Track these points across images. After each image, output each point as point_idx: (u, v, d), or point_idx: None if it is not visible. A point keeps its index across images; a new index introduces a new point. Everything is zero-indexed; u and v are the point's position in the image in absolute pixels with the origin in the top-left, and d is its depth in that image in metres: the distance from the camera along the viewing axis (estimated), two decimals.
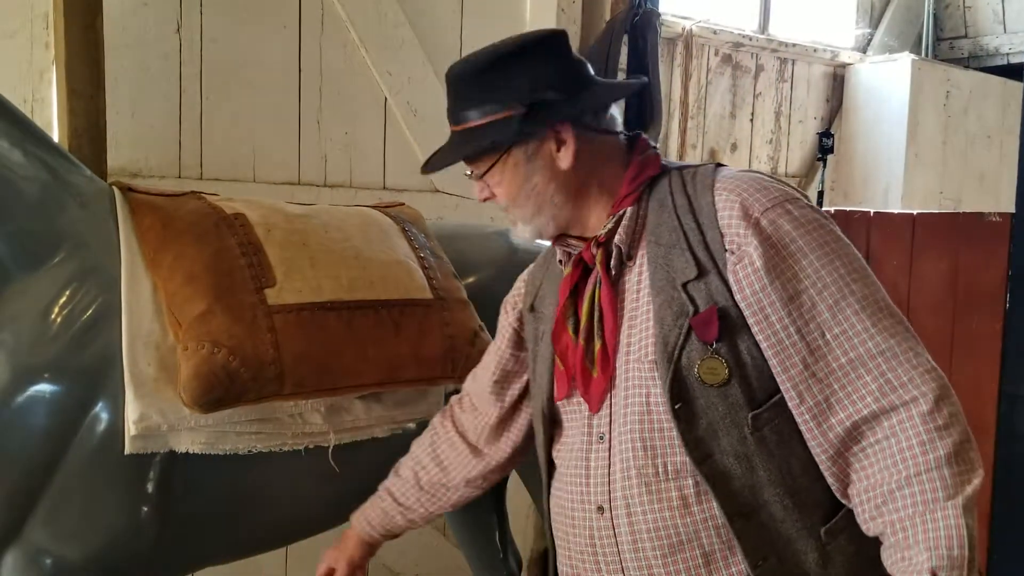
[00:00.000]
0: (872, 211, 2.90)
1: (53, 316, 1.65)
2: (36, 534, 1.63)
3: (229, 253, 1.75)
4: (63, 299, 1.67)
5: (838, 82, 4.91)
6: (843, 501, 1.28)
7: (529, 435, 1.62)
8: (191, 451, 1.70)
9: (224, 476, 1.78)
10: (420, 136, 3.12)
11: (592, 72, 1.41)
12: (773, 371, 1.25)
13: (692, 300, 1.27)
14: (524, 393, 1.61)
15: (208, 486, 1.78)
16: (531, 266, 1.62)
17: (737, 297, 1.26)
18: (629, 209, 1.37)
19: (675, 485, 1.29)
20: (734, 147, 4.45)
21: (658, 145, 3.62)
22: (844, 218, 2.91)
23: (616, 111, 1.43)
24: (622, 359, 1.35)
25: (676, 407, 1.26)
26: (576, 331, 1.39)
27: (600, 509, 1.36)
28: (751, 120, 4.50)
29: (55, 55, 2.35)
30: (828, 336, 1.22)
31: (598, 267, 1.36)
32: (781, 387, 1.25)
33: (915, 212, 2.82)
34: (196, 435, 1.69)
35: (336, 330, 1.79)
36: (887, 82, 4.73)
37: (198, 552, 1.85)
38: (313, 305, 1.77)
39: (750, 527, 1.26)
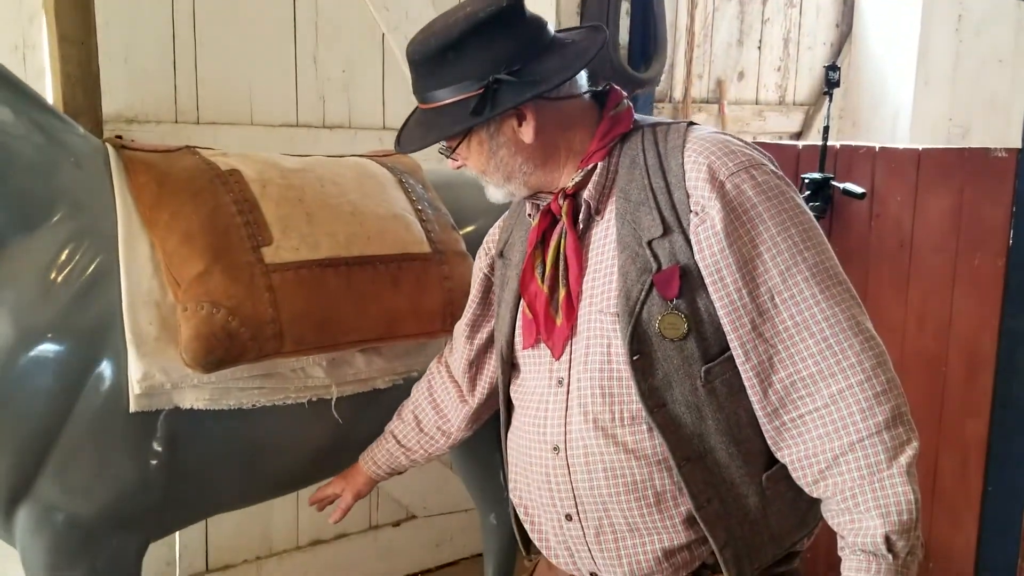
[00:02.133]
0: (877, 146, 2.86)
1: (53, 276, 1.66)
2: (47, 491, 1.67)
3: (225, 211, 1.75)
4: (62, 259, 1.67)
5: (848, 6, 4.79)
6: (778, 458, 1.36)
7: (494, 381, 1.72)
8: (195, 407, 1.73)
9: (229, 428, 1.81)
10: None
11: (551, 33, 1.42)
12: (724, 328, 1.32)
13: (656, 257, 1.33)
14: (491, 339, 1.68)
15: (214, 438, 1.81)
16: (506, 213, 1.66)
17: (697, 257, 1.31)
18: (599, 164, 1.41)
19: (630, 430, 1.38)
20: (741, 76, 4.37)
21: (660, 79, 3.56)
22: (849, 153, 2.87)
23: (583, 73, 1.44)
24: (585, 308, 1.41)
25: (634, 358, 1.33)
26: (543, 279, 1.44)
27: (556, 449, 1.43)
28: (759, 47, 4.41)
29: (44, 0, 2.31)
30: (777, 299, 1.29)
31: (564, 218, 1.42)
32: (730, 345, 1.32)
33: (920, 148, 2.77)
34: (200, 392, 1.72)
35: (334, 287, 1.79)
36: (898, 5, 4.61)
37: (206, 501, 1.90)
38: (311, 263, 1.78)
39: (696, 471, 1.35)
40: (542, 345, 1.46)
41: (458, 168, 1.47)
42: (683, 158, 1.35)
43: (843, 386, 1.26)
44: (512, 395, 1.55)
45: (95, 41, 2.34)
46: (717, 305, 1.31)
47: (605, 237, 1.40)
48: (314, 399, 1.86)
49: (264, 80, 2.81)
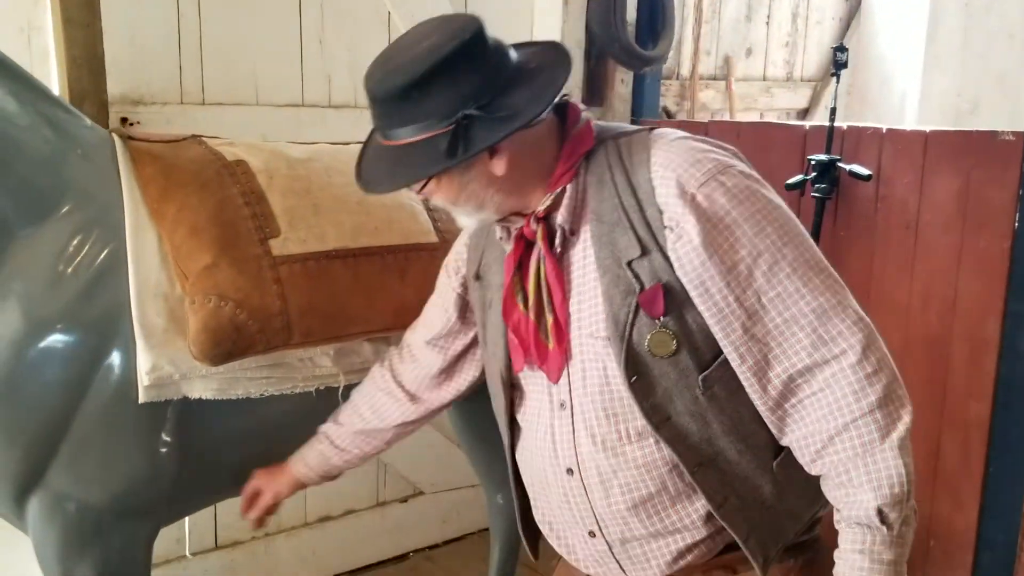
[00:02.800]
0: (884, 128, 2.84)
1: (62, 267, 1.67)
2: (58, 480, 1.69)
3: (232, 203, 1.75)
4: (70, 251, 1.68)
5: None
6: (782, 444, 1.39)
7: (470, 384, 1.73)
8: (204, 397, 1.74)
9: (238, 417, 1.84)
10: None
11: (514, 58, 1.35)
12: (715, 335, 1.33)
13: (638, 278, 1.33)
14: (467, 349, 1.69)
15: (223, 427, 1.84)
16: (470, 231, 1.62)
17: (679, 273, 1.32)
18: (568, 186, 1.39)
19: (638, 446, 1.39)
20: (749, 52, 4.33)
21: (667, 56, 3.54)
22: (856, 135, 2.86)
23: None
24: (575, 332, 1.41)
25: (632, 380, 1.35)
26: (526, 305, 1.43)
27: (569, 471, 1.45)
28: (767, 23, 4.37)
29: None
30: (764, 300, 1.30)
31: (540, 243, 1.40)
32: (724, 350, 1.33)
33: (927, 130, 2.75)
34: (208, 382, 1.73)
35: (342, 278, 1.80)
36: None
37: (215, 488, 1.92)
38: (318, 254, 1.79)
39: (709, 474, 1.38)
40: (536, 368, 1.46)
41: (426, 199, 1.43)
42: (650, 173, 1.34)
43: (835, 370, 1.29)
44: (517, 416, 1.55)
45: (100, 23, 2.34)
46: (706, 315, 1.32)
47: (584, 259, 1.40)
48: (322, 388, 1.88)
49: (269, 60, 2.80)
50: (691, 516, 1.42)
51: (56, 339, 1.66)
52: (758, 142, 3.10)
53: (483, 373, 1.69)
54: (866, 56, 4.65)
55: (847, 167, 2.78)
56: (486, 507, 2.66)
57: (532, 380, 1.49)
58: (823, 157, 2.82)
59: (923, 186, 2.74)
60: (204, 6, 2.64)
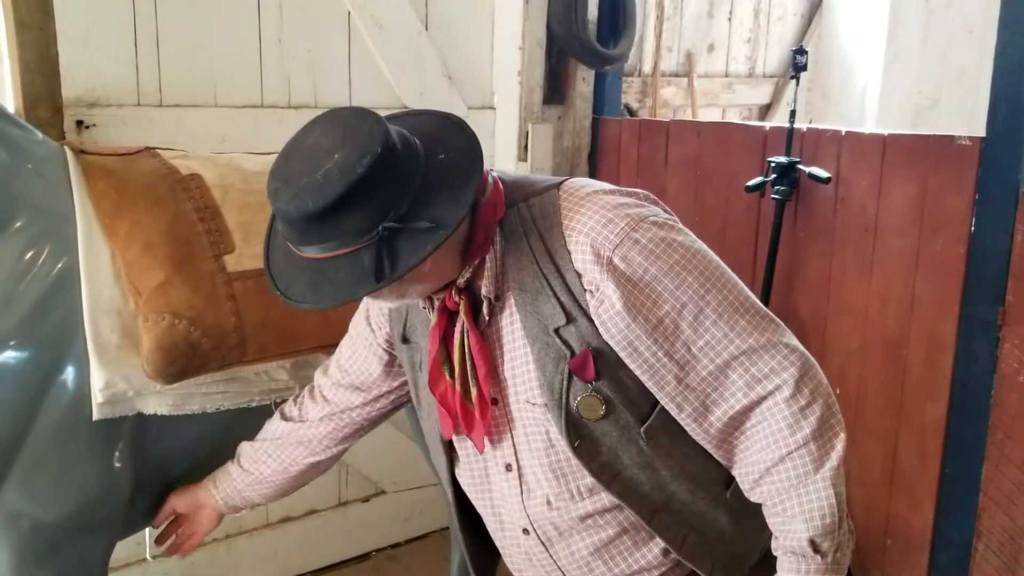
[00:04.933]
0: (843, 130, 2.87)
1: (13, 284, 1.64)
2: (12, 498, 1.67)
3: (186, 219, 1.73)
4: (22, 266, 1.65)
5: None
6: (733, 474, 1.42)
7: (386, 418, 1.74)
8: (159, 413, 1.73)
9: (194, 430, 1.83)
10: (385, 51, 3.03)
11: (422, 151, 1.28)
12: (651, 389, 1.34)
13: (567, 344, 1.34)
14: (385, 394, 1.68)
15: (179, 441, 1.83)
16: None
17: (605, 336, 1.32)
18: (487, 257, 1.36)
19: (591, 500, 1.42)
20: (711, 48, 4.35)
21: (629, 54, 3.54)
22: (815, 137, 2.88)
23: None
24: (513, 398, 1.42)
25: (576, 445, 1.36)
26: (452, 376, 1.43)
27: (525, 531, 1.48)
28: (729, 19, 4.39)
29: None
30: (694, 349, 1.31)
31: (463, 316, 1.38)
32: (661, 401, 1.35)
33: (886, 133, 2.78)
34: (163, 398, 1.72)
35: None
36: None
37: None
38: None
39: (665, 518, 1.40)
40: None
41: None
42: (564, 238, 1.33)
43: (770, 404, 1.32)
44: (458, 476, 1.56)
45: (53, 25, 2.30)
46: (638, 372, 1.33)
47: (511, 326, 1.39)
48: (279, 400, 1.87)
49: (228, 61, 2.76)
50: (652, 551, 1.44)
51: (8, 356, 1.64)
52: (719, 143, 3.11)
53: (396, 409, 1.72)
54: (827, 52, 4.69)
55: (807, 169, 2.80)
56: (446, 505, 2.67)
57: (470, 443, 1.49)
58: (783, 159, 2.84)
59: (881, 189, 2.77)
60: (161, 5, 2.60)
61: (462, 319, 1.39)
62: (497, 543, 1.58)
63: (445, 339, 1.42)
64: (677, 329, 1.30)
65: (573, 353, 1.33)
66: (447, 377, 1.43)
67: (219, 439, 1.88)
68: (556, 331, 1.33)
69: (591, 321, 1.32)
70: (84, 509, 1.73)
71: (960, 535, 2.65)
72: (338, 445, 1.74)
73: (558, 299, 1.33)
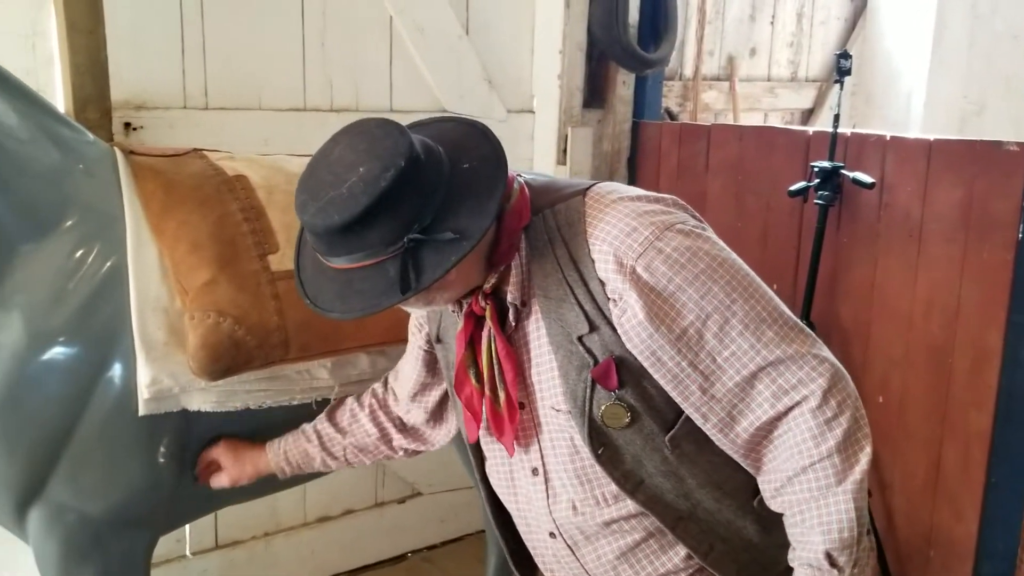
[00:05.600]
0: (888, 135, 2.83)
1: (64, 282, 1.68)
2: (59, 492, 1.70)
3: (231, 219, 1.76)
4: (72, 265, 1.69)
5: None
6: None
7: (449, 431, 1.76)
8: (203, 409, 1.75)
9: (237, 426, 1.85)
10: (426, 55, 3.05)
11: (447, 161, 1.30)
12: (675, 399, 1.33)
13: (590, 352, 1.34)
14: (444, 398, 1.71)
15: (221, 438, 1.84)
16: None
17: (628, 346, 1.31)
18: (513, 264, 1.37)
19: (616, 507, 1.41)
20: (753, 52, 4.32)
21: (670, 58, 3.52)
22: (859, 142, 2.85)
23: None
24: (540, 403, 1.42)
25: (599, 452, 1.36)
26: (479, 380, 1.43)
27: (552, 535, 1.48)
28: (771, 23, 4.35)
29: None
30: (719, 360, 1.30)
31: (489, 321, 1.39)
32: (686, 411, 1.33)
33: (931, 138, 2.74)
34: (207, 395, 1.74)
35: None
36: None
37: (214, 498, 1.93)
38: None
39: (690, 527, 1.39)
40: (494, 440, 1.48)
41: None
42: (588, 246, 1.33)
43: (796, 414, 1.30)
44: (489, 475, 1.57)
45: (103, 29, 2.34)
46: (662, 382, 1.32)
47: (537, 332, 1.40)
48: (319, 399, 1.89)
49: (272, 65, 2.80)
50: (679, 555, 1.43)
51: (58, 352, 1.67)
52: (761, 147, 3.09)
53: None
54: (872, 57, 4.63)
55: (850, 174, 2.77)
56: (481, 508, 2.67)
57: (497, 447, 1.50)
58: (826, 164, 2.82)
59: (927, 194, 2.74)
60: (207, 11, 2.64)
61: (488, 324, 1.40)
62: (527, 544, 1.58)
63: (472, 343, 1.43)
64: (701, 340, 1.29)
65: (596, 361, 1.33)
66: (473, 381, 1.44)
67: (264, 439, 1.90)
68: (579, 339, 1.33)
69: (614, 330, 1.31)
70: (129, 503, 1.76)
71: (1005, 545, 2.60)
72: (419, 445, 1.81)
73: (582, 307, 1.33)
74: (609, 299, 1.31)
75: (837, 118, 2.86)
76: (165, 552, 2.82)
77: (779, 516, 1.41)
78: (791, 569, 1.46)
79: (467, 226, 1.24)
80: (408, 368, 1.70)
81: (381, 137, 1.25)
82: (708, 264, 1.31)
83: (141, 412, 1.69)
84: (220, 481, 1.84)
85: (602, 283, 1.31)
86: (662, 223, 1.32)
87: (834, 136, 2.83)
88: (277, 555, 3.10)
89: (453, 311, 1.46)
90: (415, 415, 1.74)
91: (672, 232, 1.31)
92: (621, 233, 1.31)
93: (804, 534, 1.33)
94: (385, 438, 1.78)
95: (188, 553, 2.91)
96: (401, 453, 1.80)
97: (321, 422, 1.81)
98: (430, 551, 3.42)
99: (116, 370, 1.69)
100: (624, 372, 1.32)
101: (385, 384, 1.81)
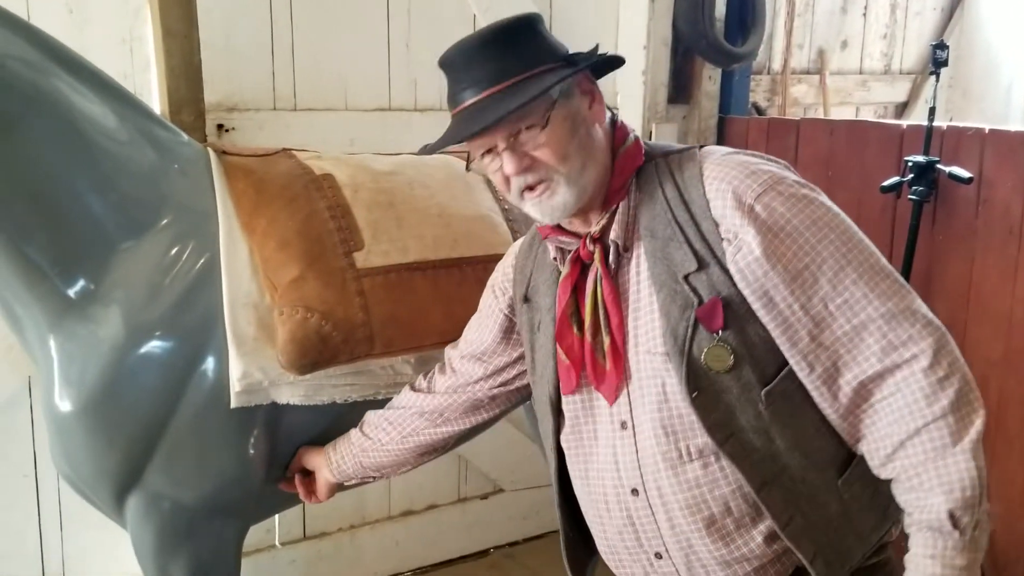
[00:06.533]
0: (987, 128, 2.73)
1: (160, 277, 1.74)
2: (155, 480, 1.77)
3: (319, 217, 1.80)
4: (168, 262, 1.75)
5: None
6: (855, 451, 1.36)
7: (508, 405, 1.76)
8: (291, 403, 1.80)
9: (324, 420, 1.89)
10: None
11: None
12: (781, 346, 1.31)
13: (695, 291, 1.32)
14: (506, 367, 1.71)
15: (309, 430, 1.89)
16: (516, 252, 1.63)
17: (740, 285, 1.30)
18: (621, 204, 1.39)
19: (700, 463, 1.38)
20: (844, 44, 4.21)
21: (757, 52, 3.46)
22: (956, 135, 2.75)
23: None
24: (632, 351, 1.40)
25: (694, 396, 1.33)
26: (581, 328, 1.43)
27: (635, 492, 1.44)
28: (864, 15, 4.23)
29: None
30: (831, 306, 1.28)
31: (598, 264, 1.40)
32: (790, 360, 1.31)
33: None
34: (295, 388, 1.79)
35: (422, 290, 1.83)
36: None
37: None
38: (400, 266, 1.82)
39: (775, 492, 1.35)
40: (591, 390, 1.46)
41: (519, 174, 1.36)
42: (704, 187, 1.34)
43: (906, 374, 1.27)
44: (563, 442, 1.55)
45: (197, 34, 2.41)
46: (770, 326, 1.31)
47: (638, 276, 1.39)
48: None
49: (357, 66, 2.85)
50: (756, 539, 1.39)
51: (154, 346, 1.74)
52: (852, 142, 3.01)
53: (522, 399, 1.73)
54: (970, 48, 4.47)
55: (946, 169, 2.68)
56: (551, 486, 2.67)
57: (587, 403, 1.48)
58: (921, 158, 2.73)
59: None
60: (296, 15, 2.71)
61: (596, 268, 1.40)
62: (592, 519, 1.54)
63: (576, 291, 1.43)
64: (816, 283, 1.28)
65: (701, 301, 1.32)
66: (575, 329, 1.44)
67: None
68: (685, 277, 1.33)
69: (724, 270, 1.31)
70: (220, 492, 1.81)
71: None
72: (458, 420, 1.77)
73: (691, 246, 1.33)
74: (723, 239, 1.31)
75: (933, 111, 2.76)
76: (256, 542, 2.90)
77: (861, 502, 1.38)
78: (865, 569, 1.43)
79: (600, 62, 1.40)
80: (476, 332, 1.72)
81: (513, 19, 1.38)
82: (824, 213, 1.31)
83: (233, 405, 1.74)
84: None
85: (716, 223, 1.32)
86: (779, 175, 1.34)
87: (929, 129, 2.74)
88: (362, 547, 3.15)
89: (555, 258, 1.48)
90: (468, 372, 1.73)
91: (789, 181, 1.34)
92: (740, 174, 1.33)
93: (923, 497, 1.29)
94: (416, 434, 1.79)
95: (277, 543, 2.99)
96: (447, 441, 1.81)
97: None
98: (512, 547, 3.44)
99: (209, 364, 1.75)
100: (729, 314, 1.31)
101: (425, 375, 1.82)
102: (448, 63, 1.38)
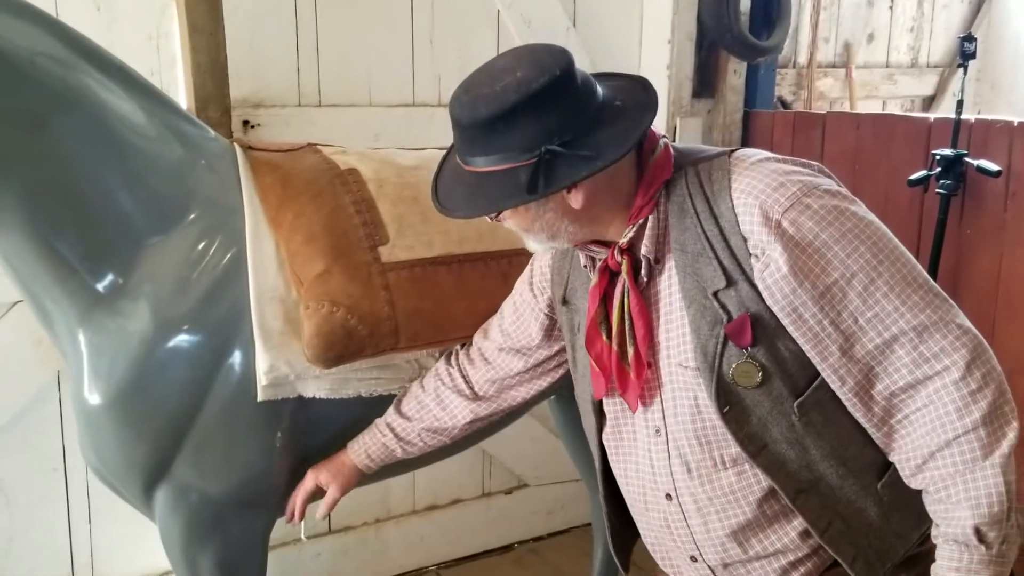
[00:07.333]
0: (1015, 121, 2.70)
1: (188, 272, 1.76)
2: (182, 473, 1.78)
3: (344, 212, 1.81)
4: (196, 256, 1.77)
5: None
6: (891, 460, 1.36)
7: (551, 385, 1.78)
8: (317, 396, 1.81)
9: (350, 413, 1.89)
10: None
11: (600, 95, 1.33)
12: (812, 360, 1.31)
13: (724, 308, 1.32)
14: (550, 357, 1.72)
15: (335, 424, 1.90)
16: (551, 253, 1.62)
17: (769, 302, 1.29)
18: (650, 217, 1.38)
19: (734, 471, 1.39)
20: (871, 38, 4.17)
21: (783, 46, 3.44)
22: (984, 128, 2.72)
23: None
24: (664, 360, 1.40)
25: (725, 411, 1.34)
26: (609, 336, 1.43)
27: (668, 496, 1.46)
28: (891, 7, 4.19)
29: None
30: (861, 320, 1.27)
31: (624, 276, 1.39)
32: (822, 372, 1.31)
33: None
34: (321, 382, 1.80)
35: (447, 284, 1.84)
36: None
37: None
38: (424, 261, 1.83)
39: (811, 499, 1.36)
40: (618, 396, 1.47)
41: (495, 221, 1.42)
42: (732, 201, 1.32)
43: (939, 386, 1.27)
44: (605, 441, 1.57)
45: (223, 31, 2.43)
46: (801, 341, 1.30)
47: (669, 288, 1.39)
48: None
49: (382, 62, 2.86)
50: (789, 535, 1.40)
51: (182, 340, 1.75)
52: (879, 135, 2.98)
53: (562, 377, 1.74)
54: (998, 40, 4.41)
55: (975, 162, 2.65)
56: (590, 503, 2.67)
57: (625, 406, 1.49)
58: (949, 152, 2.70)
59: None
60: (321, 11, 2.72)
61: (623, 279, 1.40)
62: (634, 514, 1.57)
63: (604, 299, 1.43)
64: (845, 298, 1.27)
65: (730, 317, 1.31)
66: (603, 337, 1.44)
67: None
68: (715, 294, 1.32)
69: (753, 286, 1.30)
70: (247, 484, 1.83)
71: None
72: (495, 406, 1.80)
73: (719, 261, 1.32)
74: (751, 255, 1.30)
75: (960, 104, 2.74)
76: (281, 535, 2.93)
77: (901, 503, 1.38)
78: (906, 562, 1.43)
79: (605, 148, 1.28)
80: (515, 327, 1.73)
81: (544, 52, 1.31)
82: (855, 224, 1.29)
83: (260, 398, 1.75)
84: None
85: (744, 239, 1.30)
86: (809, 183, 1.32)
87: (957, 122, 2.72)
88: (387, 541, 3.17)
89: (586, 266, 1.47)
90: (507, 365, 1.75)
91: (819, 191, 1.31)
92: (768, 187, 1.30)
93: (950, 510, 1.29)
94: (451, 413, 1.81)
95: (303, 537, 3.00)
96: (458, 428, 1.82)
97: (390, 415, 1.85)
98: (536, 543, 3.44)
99: (236, 357, 1.76)
100: (758, 330, 1.31)
101: (449, 359, 1.84)
102: (451, 110, 1.35)
